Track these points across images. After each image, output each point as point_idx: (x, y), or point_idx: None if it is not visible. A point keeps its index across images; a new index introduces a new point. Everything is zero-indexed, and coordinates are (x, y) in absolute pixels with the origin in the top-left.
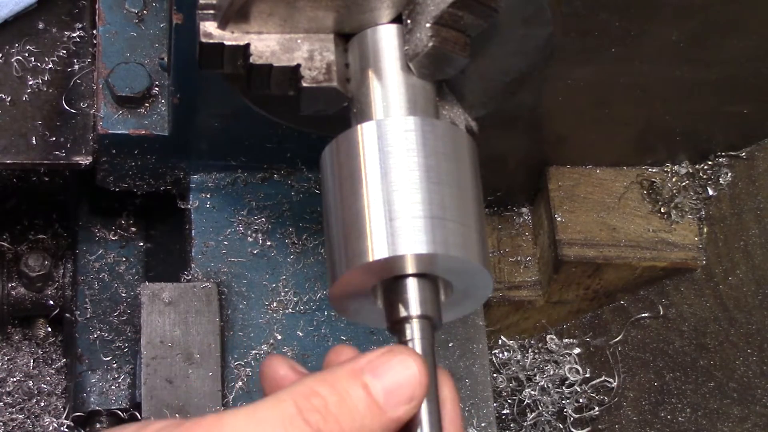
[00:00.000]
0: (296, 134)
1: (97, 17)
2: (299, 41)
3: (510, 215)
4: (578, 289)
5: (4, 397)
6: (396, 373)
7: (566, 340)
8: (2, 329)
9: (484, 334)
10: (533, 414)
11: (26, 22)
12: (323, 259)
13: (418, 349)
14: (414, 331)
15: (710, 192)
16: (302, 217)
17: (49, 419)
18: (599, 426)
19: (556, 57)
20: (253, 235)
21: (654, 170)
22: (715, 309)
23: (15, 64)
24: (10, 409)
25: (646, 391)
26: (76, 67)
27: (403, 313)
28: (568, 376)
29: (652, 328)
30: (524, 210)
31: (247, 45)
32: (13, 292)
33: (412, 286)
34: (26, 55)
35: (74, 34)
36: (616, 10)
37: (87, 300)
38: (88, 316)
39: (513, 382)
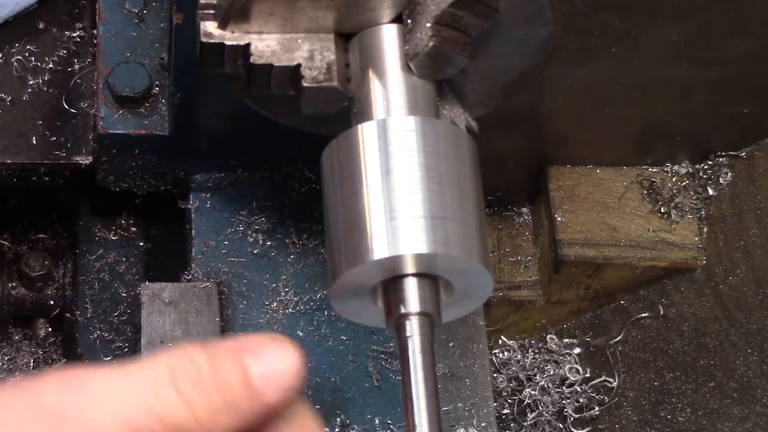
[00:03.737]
0: (296, 134)
1: (97, 17)
2: (300, 41)
3: (510, 215)
4: (578, 288)
5: None
6: (276, 360)
7: (566, 340)
8: (2, 329)
9: (484, 334)
10: (533, 414)
11: (26, 22)
12: (323, 259)
13: (418, 345)
14: (413, 327)
15: (710, 192)
16: (302, 217)
17: None
18: (599, 426)
19: (556, 57)
20: (254, 235)
21: (654, 170)
22: (715, 309)
23: (15, 64)
24: None
25: (646, 391)
26: (77, 67)
27: (402, 310)
28: (568, 376)
29: (652, 328)
30: (524, 210)
31: (248, 45)
32: (14, 292)
33: (411, 285)
34: (26, 55)
35: (74, 34)
36: (616, 10)
37: (87, 300)
38: (89, 316)
39: (513, 382)
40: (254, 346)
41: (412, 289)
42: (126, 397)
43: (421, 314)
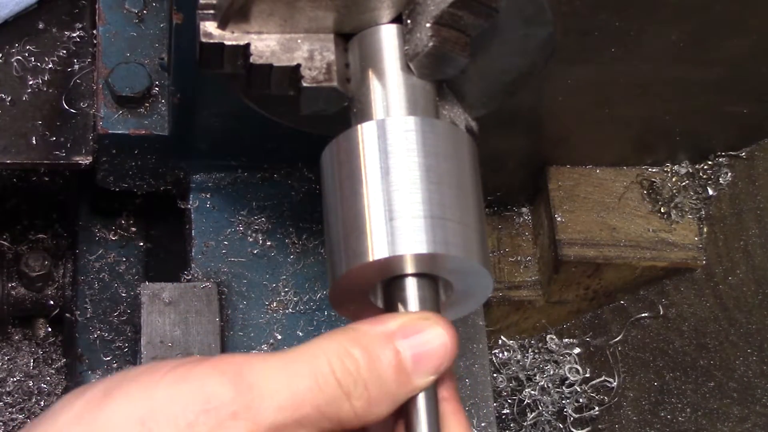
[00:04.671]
0: (296, 134)
1: (97, 17)
2: (299, 41)
3: (510, 215)
4: (578, 289)
5: (4, 397)
6: (427, 341)
7: (566, 340)
8: (2, 329)
9: (484, 334)
10: (533, 414)
11: (26, 22)
12: (323, 259)
13: None
14: None
15: (710, 192)
16: (302, 217)
17: None
18: (599, 426)
19: (556, 57)
20: (253, 235)
21: (654, 170)
22: (715, 309)
23: (15, 64)
24: (10, 409)
25: (646, 391)
26: (76, 67)
27: (401, 310)
28: (568, 376)
29: (652, 328)
30: (524, 210)
31: (247, 45)
32: (13, 292)
33: (411, 285)
34: (26, 55)
35: (74, 34)
36: (616, 10)
37: (87, 300)
38: (88, 316)
39: (513, 382)
40: (405, 328)
41: (411, 289)
42: (292, 393)
43: None
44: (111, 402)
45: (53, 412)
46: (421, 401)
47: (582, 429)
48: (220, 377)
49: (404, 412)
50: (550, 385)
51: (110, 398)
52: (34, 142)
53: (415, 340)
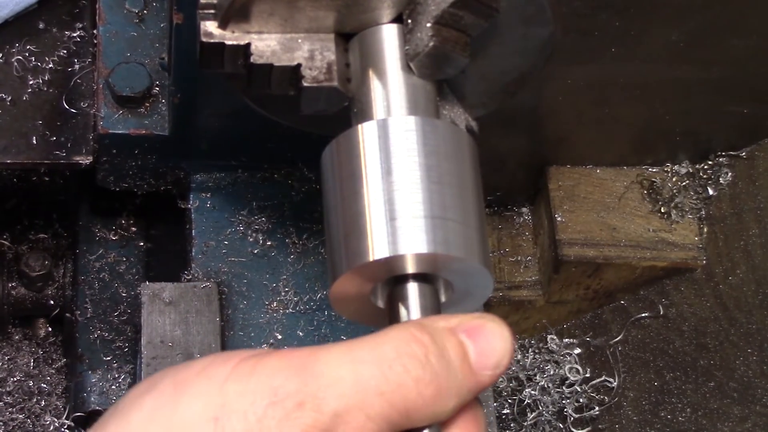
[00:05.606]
0: (296, 134)
1: (97, 17)
2: (300, 41)
3: (510, 215)
4: (578, 289)
5: (4, 397)
6: (490, 339)
7: (566, 339)
8: (2, 329)
9: None
10: (533, 414)
11: (26, 22)
12: (323, 259)
13: None
14: None
15: (710, 192)
16: (302, 217)
17: (49, 419)
18: (599, 426)
19: (556, 57)
20: (254, 235)
21: (654, 170)
22: (715, 309)
23: (15, 64)
24: (10, 409)
25: (646, 391)
26: (77, 66)
27: (402, 310)
28: (569, 375)
29: (652, 328)
30: (524, 210)
31: (248, 45)
32: (14, 292)
33: (411, 285)
34: (26, 54)
35: (74, 34)
36: (616, 10)
37: (87, 300)
38: (89, 315)
39: (513, 382)
40: (466, 325)
41: (412, 289)
42: (356, 381)
43: None
44: (183, 398)
45: (123, 410)
46: None
47: (582, 429)
48: (286, 369)
49: None
50: (550, 385)
51: (181, 394)
52: (34, 142)
53: (479, 337)
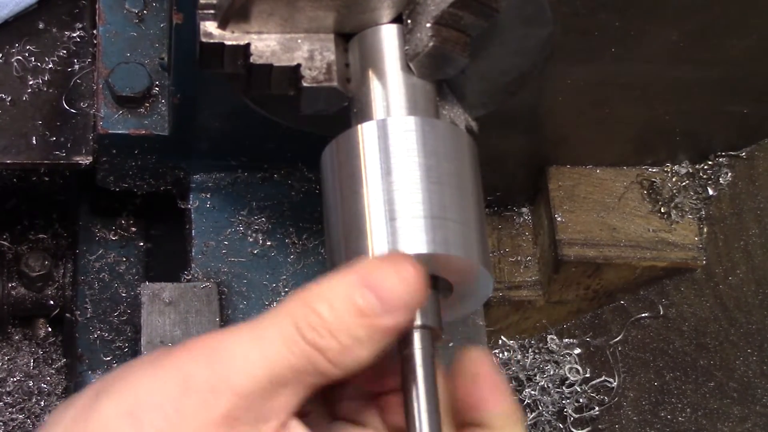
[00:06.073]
0: (296, 134)
1: (97, 17)
2: (299, 41)
3: (510, 215)
4: (578, 289)
5: (4, 397)
6: (390, 282)
7: (566, 340)
8: (2, 329)
9: (484, 334)
10: (533, 414)
11: (26, 22)
12: (323, 259)
13: (419, 359)
14: (415, 341)
15: (710, 192)
16: (302, 217)
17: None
18: (599, 426)
19: (556, 57)
20: (254, 235)
21: (654, 170)
22: (715, 309)
23: (15, 64)
24: (10, 409)
25: (646, 391)
26: (76, 67)
27: None
28: (568, 376)
29: (652, 328)
30: (524, 210)
31: (248, 45)
32: (13, 292)
33: None
34: (26, 55)
35: (74, 34)
36: (616, 10)
37: (87, 300)
38: (89, 316)
39: (513, 382)
40: (368, 273)
41: None
42: (264, 358)
43: (423, 327)
44: (99, 403)
45: (48, 423)
46: (423, 418)
47: (582, 429)
48: (194, 358)
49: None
50: (550, 385)
51: (100, 398)
52: (34, 142)
53: (378, 283)
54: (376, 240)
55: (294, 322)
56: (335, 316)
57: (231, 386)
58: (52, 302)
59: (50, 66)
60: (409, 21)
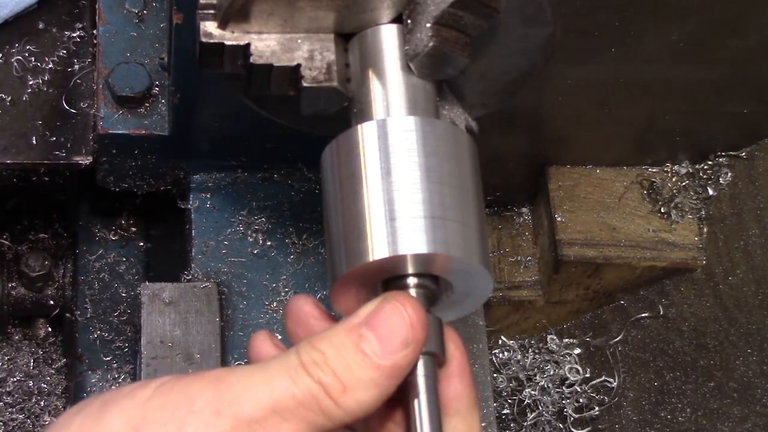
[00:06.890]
0: (296, 134)
1: (97, 17)
2: (299, 41)
3: (510, 215)
4: (578, 289)
5: (4, 397)
6: (388, 322)
7: (566, 340)
8: (2, 329)
9: (484, 334)
10: (533, 414)
11: (26, 22)
12: (323, 259)
13: (422, 386)
14: (418, 367)
15: (710, 192)
16: (302, 217)
17: (49, 419)
18: (599, 426)
19: (556, 57)
20: (254, 235)
21: (654, 170)
22: (715, 309)
23: (15, 64)
24: (10, 409)
25: (646, 391)
26: (76, 67)
27: None
28: (568, 376)
29: (652, 328)
30: (524, 210)
31: (248, 45)
32: (13, 292)
33: (411, 285)
34: (26, 55)
35: (74, 34)
36: (616, 10)
37: (87, 300)
38: (88, 316)
39: (513, 382)
40: (369, 316)
41: (412, 289)
42: (268, 388)
43: (425, 354)
44: (107, 416)
45: (60, 424)
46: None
47: (582, 429)
48: (202, 383)
49: (404, 402)
50: (550, 385)
51: (106, 412)
52: (34, 142)
53: (377, 323)
54: (376, 240)
55: (299, 358)
56: (336, 353)
57: (234, 412)
58: (52, 302)
59: (50, 66)
60: (409, 21)
